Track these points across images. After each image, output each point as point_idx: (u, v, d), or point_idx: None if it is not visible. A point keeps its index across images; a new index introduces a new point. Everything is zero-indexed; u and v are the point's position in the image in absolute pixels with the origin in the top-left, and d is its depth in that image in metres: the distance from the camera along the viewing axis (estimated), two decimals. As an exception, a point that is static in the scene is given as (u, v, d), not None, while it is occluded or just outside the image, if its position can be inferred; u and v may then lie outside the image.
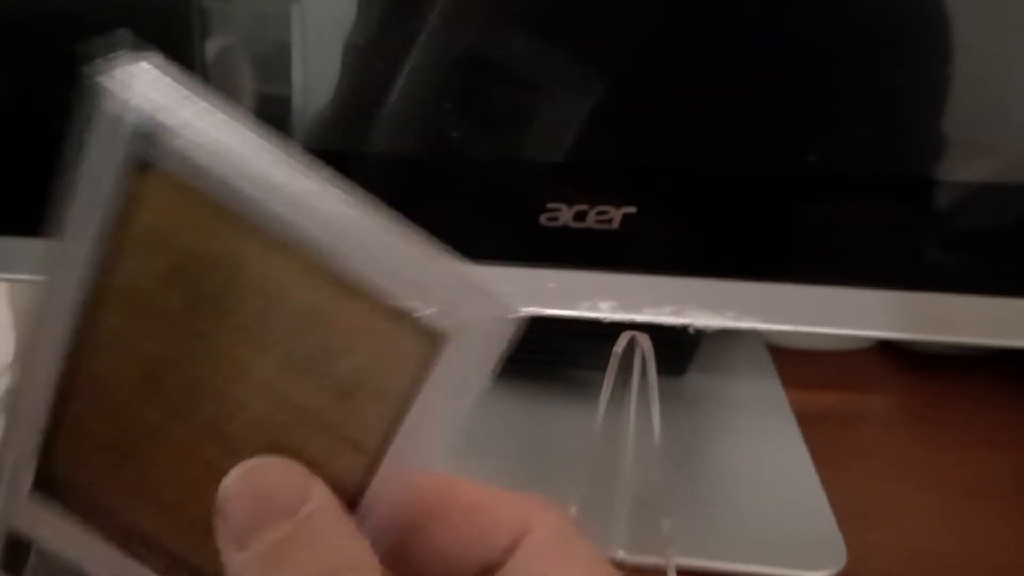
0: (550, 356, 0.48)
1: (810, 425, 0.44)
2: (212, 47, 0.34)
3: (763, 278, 0.33)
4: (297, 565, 0.16)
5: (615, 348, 0.35)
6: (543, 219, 0.33)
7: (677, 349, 0.48)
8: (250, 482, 0.17)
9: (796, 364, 0.51)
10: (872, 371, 0.52)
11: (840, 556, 0.36)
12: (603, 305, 0.34)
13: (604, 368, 0.35)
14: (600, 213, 0.33)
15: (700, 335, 0.40)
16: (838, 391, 0.50)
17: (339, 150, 0.35)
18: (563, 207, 0.33)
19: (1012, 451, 0.44)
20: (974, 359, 0.51)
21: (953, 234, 0.33)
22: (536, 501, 0.20)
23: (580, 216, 0.33)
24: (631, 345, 0.35)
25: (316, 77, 0.34)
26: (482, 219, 0.35)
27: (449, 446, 0.17)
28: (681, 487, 0.37)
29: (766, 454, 0.43)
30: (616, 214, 0.33)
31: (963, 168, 0.32)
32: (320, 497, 0.17)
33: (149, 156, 0.16)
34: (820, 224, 0.33)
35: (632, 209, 0.33)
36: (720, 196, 0.33)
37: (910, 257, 0.33)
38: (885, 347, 0.54)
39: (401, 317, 0.17)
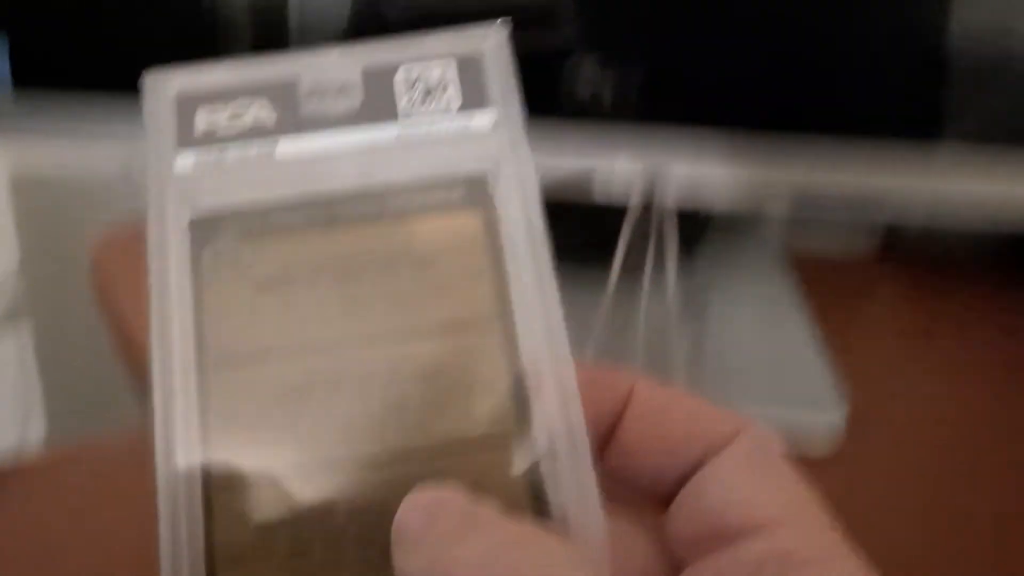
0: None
1: (814, 302, 0.47)
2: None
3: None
4: (468, 547, 0.16)
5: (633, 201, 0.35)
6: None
7: (688, 229, 0.47)
8: (422, 495, 0.17)
9: (803, 268, 0.52)
10: (876, 270, 0.54)
11: (841, 407, 0.38)
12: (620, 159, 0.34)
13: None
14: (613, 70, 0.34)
15: (709, 218, 0.42)
16: (844, 288, 0.52)
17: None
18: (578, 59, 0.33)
19: (1007, 335, 0.46)
20: (973, 259, 0.54)
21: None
22: (746, 418, 0.20)
23: (595, 73, 0.34)
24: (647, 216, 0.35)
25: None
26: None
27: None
28: (690, 346, 0.39)
29: (771, 325, 0.45)
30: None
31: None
32: (491, 507, 0.17)
33: None
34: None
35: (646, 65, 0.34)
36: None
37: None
38: (888, 252, 0.56)
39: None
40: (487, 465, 0.18)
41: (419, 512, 0.17)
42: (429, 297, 0.19)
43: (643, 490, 0.20)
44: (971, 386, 0.42)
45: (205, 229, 0.19)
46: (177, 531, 0.17)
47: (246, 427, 0.18)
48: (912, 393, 0.40)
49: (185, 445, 0.17)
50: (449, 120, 0.20)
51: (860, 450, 0.36)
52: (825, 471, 0.33)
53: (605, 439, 0.20)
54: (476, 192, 0.20)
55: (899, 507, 0.33)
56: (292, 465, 0.17)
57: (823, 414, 0.37)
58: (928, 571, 0.30)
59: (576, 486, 0.17)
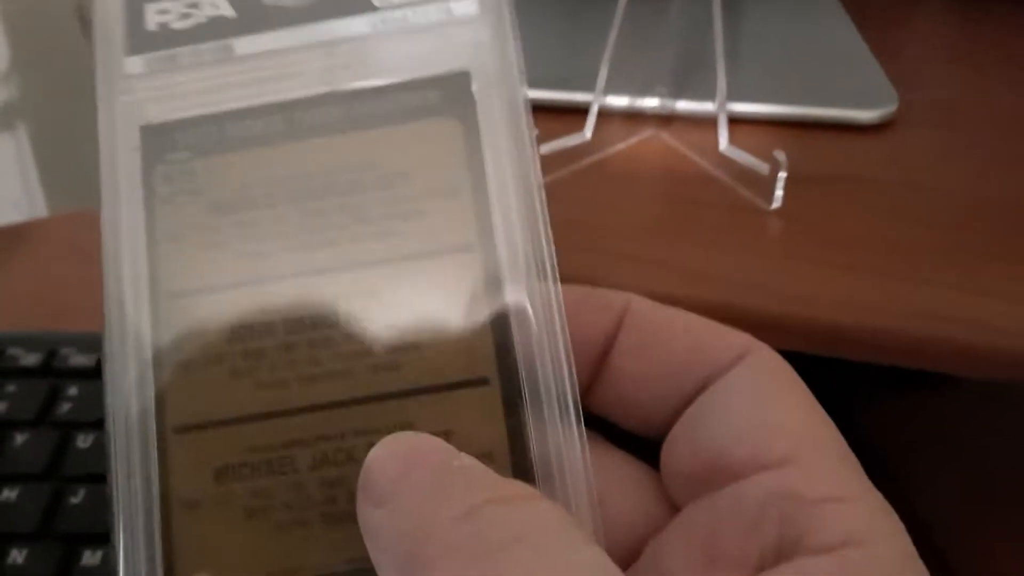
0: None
1: (861, 16, 0.44)
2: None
3: None
4: (448, 506, 0.14)
5: None
6: None
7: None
8: (396, 445, 0.15)
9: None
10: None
11: (891, 101, 0.36)
12: None
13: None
14: None
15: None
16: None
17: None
18: None
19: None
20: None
21: None
22: (755, 340, 0.17)
23: None
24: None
25: None
26: None
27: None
28: (728, 42, 0.34)
29: (817, 28, 0.42)
30: None
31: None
32: (472, 460, 0.15)
33: None
34: None
35: None
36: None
37: None
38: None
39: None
40: (462, 411, 0.16)
41: (392, 462, 0.14)
42: (399, 220, 0.17)
43: (636, 422, 0.18)
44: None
45: (157, 140, 0.17)
46: (131, 479, 0.16)
47: (200, 364, 0.17)
48: (959, 94, 0.39)
49: (138, 384, 0.16)
50: (428, 7, 0.18)
51: (907, 142, 0.36)
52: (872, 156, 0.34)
53: (596, 367, 0.18)
54: (456, 94, 0.17)
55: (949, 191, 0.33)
56: (250, 407, 0.16)
57: (873, 110, 0.36)
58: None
59: (561, 436, 0.16)
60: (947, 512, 0.34)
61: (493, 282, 0.17)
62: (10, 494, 0.28)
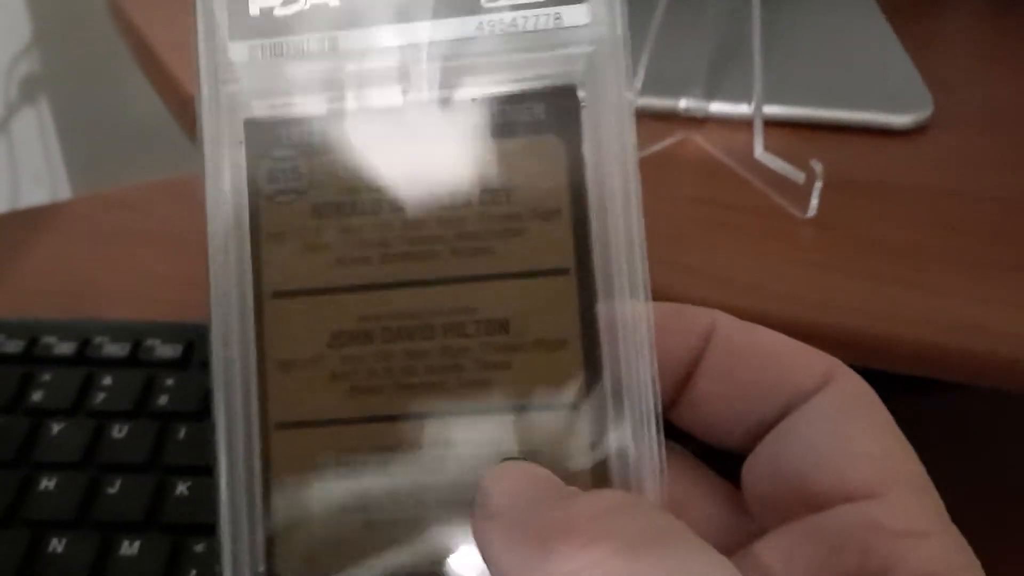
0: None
1: (896, 16, 0.43)
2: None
3: None
4: (580, 504, 0.14)
5: None
6: None
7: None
8: (508, 466, 0.16)
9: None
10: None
11: (926, 105, 0.36)
12: None
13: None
14: None
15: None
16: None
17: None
18: None
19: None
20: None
21: None
22: (838, 363, 0.18)
23: None
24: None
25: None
26: None
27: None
28: (761, 42, 0.34)
29: (851, 29, 0.42)
30: None
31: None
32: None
33: None
34: None
35: None
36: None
37: None
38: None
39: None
40: (550, 430, 0.17)
41: (510, 482, 0.15)
42: (498, 237, 0.17)
43: (717, 439, 0.18)
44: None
45: (262, 136, 0.18)
46: (235, 470, 0.17)
47: (301, 364, 0.17)
48: (996, 95, 0.39)
49: (243, 381, 0.17)
50: (536, 12, 0.17)
51: (943, 147, 0.35)
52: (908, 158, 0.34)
53: (681, 384, 0.18)
54: (561, 110, 0.17)
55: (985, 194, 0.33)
56: (347, 412, 0.17)
57: (908, 115, 0.35)
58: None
59: (644, 458, 0.16)
60: (958, 517, 0.35)
61: (587, 304, 0.17)
62: (48, 483, 0.29)
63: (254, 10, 0.18)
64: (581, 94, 0.17)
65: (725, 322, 0.18)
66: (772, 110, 0.34)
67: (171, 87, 0.39)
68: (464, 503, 0.16)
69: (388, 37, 0.18)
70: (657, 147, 0.33)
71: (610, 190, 0.17)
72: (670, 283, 0.29)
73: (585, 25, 0.17)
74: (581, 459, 0.17)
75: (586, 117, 0.17)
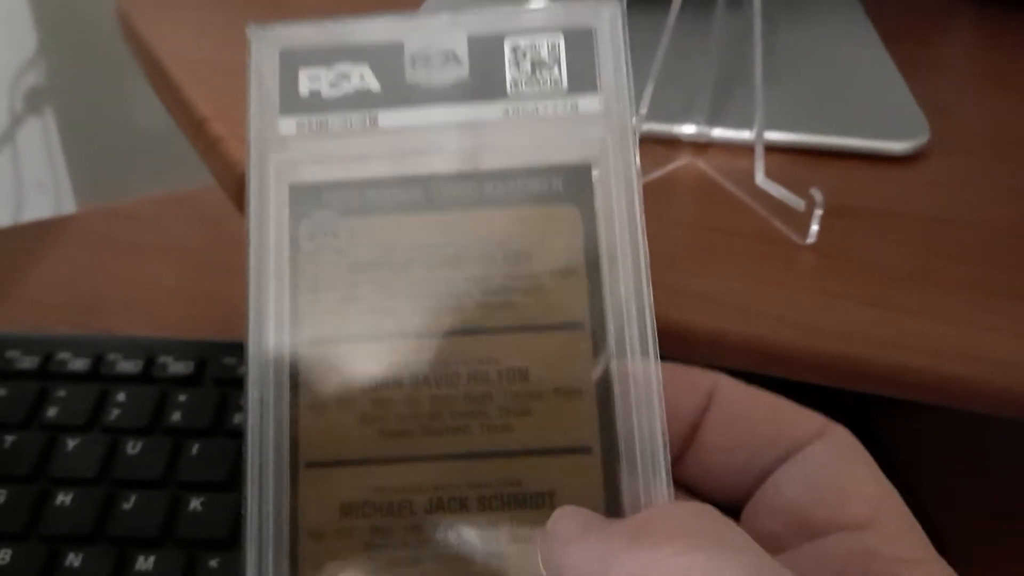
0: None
1: (892, 41, 0.44)
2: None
3: None
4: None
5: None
6: None
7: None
8: (570, 508, 0.17)
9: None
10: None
11: (923, 131, 0.37)
12: None
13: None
14: None
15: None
16: (918, 23, 0.49)
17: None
18: None
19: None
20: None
21: None
22: (831, 421, 0.20)
23: None
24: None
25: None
26: None
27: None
28: (765, 70, 0.35)
29: (849, 55, 0.43)
30: None
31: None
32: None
33: None
34: None
35: None
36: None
37: None
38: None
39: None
40: (565, 475, 0.18)
41: (571, 518, 0.17)
42: (520, 294, 0.19)
43: (720, 492, 0.20)
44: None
45: (305, 198, 0.19)
46: (264, 508, 0.18)
47: (333, 407, 0.19)
48: (992, 120, 0.40)
49: (276, 420, 0.18)
50: (556, 101, 0.20)
51: (940, 172, 0.36)
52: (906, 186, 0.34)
53: (686, 440, 0.20)
54: (577, 184, 0.19)
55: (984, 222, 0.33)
56: (374, 457, 0.18)
57: (904, 141, 0.36)
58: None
59: (654, 496, 0.18)
60: (968, 528, 0.35)
61: (600, 358, 0.19)
62: (64, 498, 0.30)
63: (303, 90, 0.20)
64: (595, 172, 0.19)
65: (727, 383, 0.20)
66: (773, 136, 0.35)
67: (177, 99, 0.40)
68: (488, 541, 0.18)
69: (423, 117, 0.20)
70: (660, 172, 0.34)
71: (621, 254, 0.19)
72: (671, 308, 0.29)
73: (599, 113, 0.20)
74: (595, 502, 0.18)
75: (599, 190, 0.19)
